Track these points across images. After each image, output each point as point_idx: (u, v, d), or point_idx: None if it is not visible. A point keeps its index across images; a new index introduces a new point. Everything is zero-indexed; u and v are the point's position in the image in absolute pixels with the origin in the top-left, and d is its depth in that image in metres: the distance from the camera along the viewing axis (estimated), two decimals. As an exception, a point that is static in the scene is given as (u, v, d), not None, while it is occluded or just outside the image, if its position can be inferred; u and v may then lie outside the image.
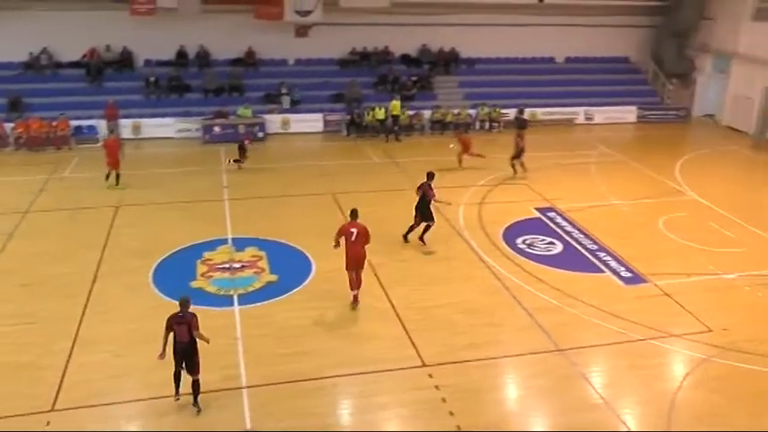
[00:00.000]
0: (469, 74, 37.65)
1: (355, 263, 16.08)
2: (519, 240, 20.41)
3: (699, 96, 39.78)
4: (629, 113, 37.81)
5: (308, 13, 33.12)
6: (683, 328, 15.94)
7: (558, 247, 20.12)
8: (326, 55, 36.03)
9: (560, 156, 27.97)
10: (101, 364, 13.82)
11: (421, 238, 19.84)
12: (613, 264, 19.21)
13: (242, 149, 26.83)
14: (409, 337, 14.95)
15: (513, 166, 26.12)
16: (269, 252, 19.04)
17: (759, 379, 14.21)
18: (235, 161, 26.78)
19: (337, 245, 16.17)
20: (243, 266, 18.19)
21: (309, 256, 18.78)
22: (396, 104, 32.57)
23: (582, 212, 23.01)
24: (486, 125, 34.15)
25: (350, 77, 34.76)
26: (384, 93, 35.06)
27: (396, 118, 32.53)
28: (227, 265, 18.23)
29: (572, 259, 19.38)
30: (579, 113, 36.76)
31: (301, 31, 35.14)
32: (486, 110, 34.22)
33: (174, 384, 12.40)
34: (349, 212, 16.77)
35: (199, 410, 12.40)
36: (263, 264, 18.37)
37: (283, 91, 33.64)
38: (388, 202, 23.30)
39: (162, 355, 12.06)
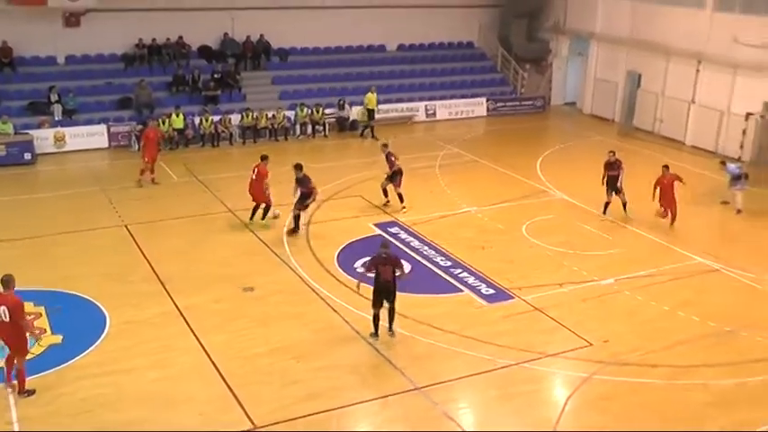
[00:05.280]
0: (284, 68, 38.03)
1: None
2: (357, 264, 20.65)
3: (557, 83, 42.44)
4: (477, 106, 39.56)
5: (78, -5, 32.24)
6: (560, 345, 16.75)
7: (406, 268, 20.41)
8: (106, 50, 35.23)
9: (400, 161, 28.60)
10: None
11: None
12: (472, 280, 19.91)
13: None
14: (233, 395, 14.76)
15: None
16: (49, 306, 18.11)
17: (647, 392, 15.17)
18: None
19: None
20: (16, 329, 17.18)
21: (101, 306, 18.13)
22: (371, 97, 34.90)
23: (430, 224, 23.67)
24: (308, 129, 34.46)
25: (138, 77, 34.12)
26: (182, 95, 34.73)
27: (371, 112, 34.86)
28: (-6, 329, 17.14)
29: (423, 280, 19.87)
30: (419, 109, 37.99)
31: (72, 19, 33.93)
32: (307, 110, 34.58)
33: (373, 326, 16.77)
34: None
35: (393, 334, 16.93)
36: (43, 322, 17.42)
37: (53, 98, 32.47)
38: (198, 230, 23.13)
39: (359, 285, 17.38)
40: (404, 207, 25.01)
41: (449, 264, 20.95)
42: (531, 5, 41.84)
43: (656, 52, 35.59)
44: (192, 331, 17.14)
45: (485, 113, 39.57)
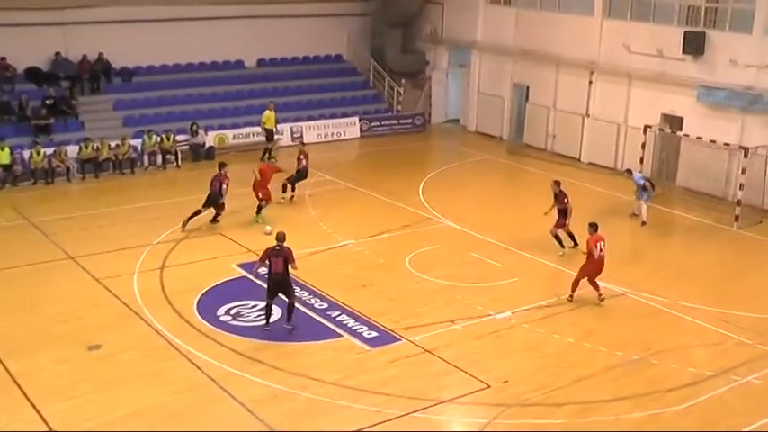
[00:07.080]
0: (128, 90, 37.64)
1: None
2: (221, 311, 20.55)
3: (437, 98, 43.28)
4: (350, 127, 39.88)
5: None
6: (454, 390, 16.94)
7: (276, 313, 20.36)
8: None
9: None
10: None
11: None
12: (352, 323, 19.98)
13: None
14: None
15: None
16: None
17: (554, 433, 15.57)
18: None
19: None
20: None
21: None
22: (269, 115, 35.52)
23: (302, 262, 23.23)
24: (158, 159, 34.08)
25: (-48, 106, 33.21)
26: (7, 125, 33.79)
27: (270, 132, 35.67)
28: None
29: (296, 326, 19.68)
30: (284, 132, 37.88)
31: None
32: (155, 138, 34.20)
33: (265, 316, 19.30)
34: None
35: (292, 328, 19.36)
36: None
37: None
38: (33, 281, 22.52)
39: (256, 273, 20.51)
40: (283, 197, 29.17)
41: (325, 306, 20.95)
42: (404, 13, 42.54)
43: (544, 63, 36.66)
44: (29, 400, 16.57)
45: (358, 135, 39.93)
